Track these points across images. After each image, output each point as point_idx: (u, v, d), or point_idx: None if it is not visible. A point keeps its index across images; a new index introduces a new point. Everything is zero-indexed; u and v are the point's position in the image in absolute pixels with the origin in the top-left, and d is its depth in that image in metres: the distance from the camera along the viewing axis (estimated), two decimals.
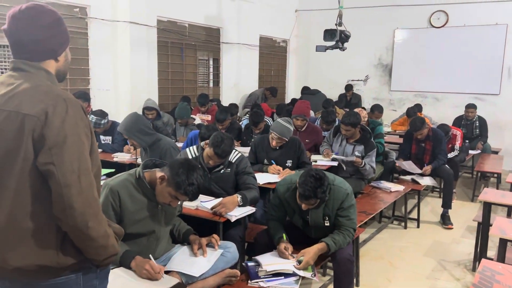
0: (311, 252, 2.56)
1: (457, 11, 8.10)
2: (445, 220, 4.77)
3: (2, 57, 4.94)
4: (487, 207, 3.35)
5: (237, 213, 2.81)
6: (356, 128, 4.37)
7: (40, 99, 1.32)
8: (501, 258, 2.66)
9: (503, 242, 2.66)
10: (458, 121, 6.97)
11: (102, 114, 4.77)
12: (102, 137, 4.85)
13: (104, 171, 3.64)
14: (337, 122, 5.45)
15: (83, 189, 1.32)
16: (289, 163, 3.99)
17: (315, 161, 4.37)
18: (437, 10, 8.28)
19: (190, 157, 3.19)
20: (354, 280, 3.25)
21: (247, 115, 6.32)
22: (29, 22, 1.39)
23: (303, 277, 2.51)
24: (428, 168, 4.86)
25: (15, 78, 1.39)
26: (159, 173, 2.29)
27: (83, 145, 1.35)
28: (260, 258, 2.60)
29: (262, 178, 3.61)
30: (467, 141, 6.47)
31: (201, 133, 3.90)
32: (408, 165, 4.89)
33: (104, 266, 1.49)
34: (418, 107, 7.49)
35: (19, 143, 1.31)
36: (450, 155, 5.47)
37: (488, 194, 3.48)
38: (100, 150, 4.46)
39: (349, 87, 8.97)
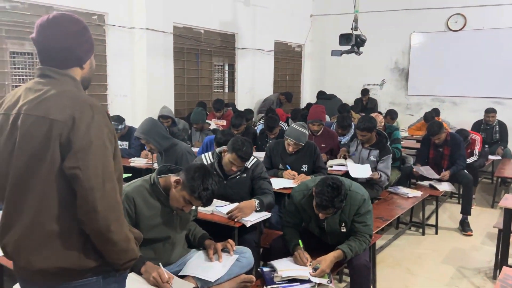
0: (327, 260, 2.53)
1: (475, 14, 7.98)
2: (464, 227, 4.67)
3: (24, 64, 5.06)
4: (508, 213, 3.27)
5: (252, 218, 2.80)
6: (372, 132, 4.34)
7: (67, 104, 1.35)
8: None
9: None
10: (477, 126, 6.84)
11: (119, 119, 4.84)
12: (119, 142, 4.90)
13: None
14: (352, 127, 5.43)
15: (107, 193, 1.34)
16: (304, 167, 3.98)
17: (331, 166, 4.34)
18: (454, 13, 8.17)
19: (205, 163, 3.20)
20: (371, 286, 3.21)
21: (262, 120, 6.33)
22: (56, 31, 1.43)
23: (319, 284, 2.49)
24: (446, 174, 4.77)
25: (42, 84, 1.43)
26: (173, 177, 2.30)
27: (107, 150, 1.38)
28: (276, 263, 2.59)
29: (277, 183, 3.60)
30: (486, 146, 6.35)
31: (217, 138, 3.91)
32: (426, 171, 4.82)
33: (123, 270, 1.51)
34: (435, 112, 7.39)
35: (46, 147, 1.34)
36: (469, 160, 5.37)
37: (509, 200, 3.40)
38: None
39: (365, 92, 8.91)
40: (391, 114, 6.89)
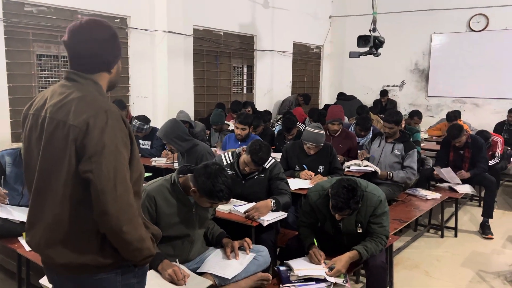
0: (342, 260, 2.56)
1: (497, 14, 7.86)
2: (484, 230, 4.60)
3: (50, 66, 5.23)
4: None
5: (269, 217, 2.85)
6: (398, 126, 4.42)
7: (84, 110, 1.42)
8: None
9: None
10: (499, 127, 6.73)
11: (145, 119, 4.95)
12: (141, 141, 5.03)
13: None
14: (371, 130, 5.42)
15: (118, 196, 1.39)
16: (321, 168, 4.00)
17: (348, 167, 4.35)
18: (476, 14, 8.06)
19: (225, 163, 3.27)
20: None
21: (280, 121, 6.37)
22: (87, 37, 1.49)
23: (335, 283, 2.51)
24: (464, 174, 4.70)
25: (66, 87, 1.50)
26: (191, 184, 2.36)
27: (121, 154, 1.43)
28: (292, 262, 2.62)
29: (294, 184, 3.64)
30: (509, 148, 6.23)
31: (238, 118, 4.51)
32: (447, 173, 4.72)
33: (140, 266, 1.58)
34: (456, 114, 7.27)
35: (65, 150, 1.41)
36: (490, 163, 5.28)
37: None
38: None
39: (384, 93, 8.86)
40: (418, 115, 6.69)
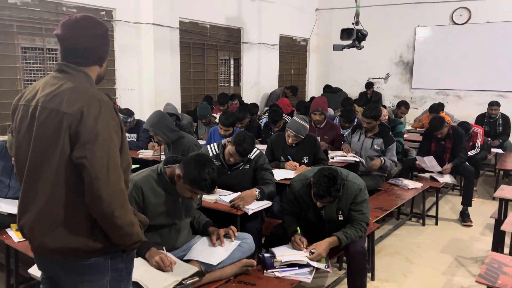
0: (322, 245, 2.66)
1: (480, 8, 8.00)
2: (464, 218, 4.76)
3: (35, 59, 5.20)
4: (503, 203, 3.36)
5: (253, 206, 2.93)
6: (377, 121, 4.48)
7: (77, 99, 1.48)
8: None
9: None
10: (481, 119, 6.89)
11: (128, 112, 4.97)
12: (127, 134, 5.03)
13: None
14: (355, 121, 5.51)
15: (111, 182, 1.45)
16: (305, 159, 4.08)
17: (333, 158, 4.44)
18: (459, 7, 8.20)
19: (211, 154, 3.33)
20: (369, 274, 3.32)
21: (267, 114, 6.43)
22: (84, 32, 1.57)
23: (318, 269, 2.61)
24: (448, 167, 4.82)
25: (58, 79, 1.56)
26: (177, 170, 2.42)
27: (113, 142, 1.49)
28: (276, 249, 2.71)
29: (278, 174, 3.71)
30: (489, 139, 6.40)
31: (221, 120, 4.37)
32: (429, 162, 4.85)
33: (129, 251, 1.64)
34: (440, 106, 7.43)
35: (58, 138, 1.46)
36: (470, 153, 5.43)
37: (505, 190, 3.49)
38: None
39: (369, 85, 8.97)
40: (405, 104, 6.81)
